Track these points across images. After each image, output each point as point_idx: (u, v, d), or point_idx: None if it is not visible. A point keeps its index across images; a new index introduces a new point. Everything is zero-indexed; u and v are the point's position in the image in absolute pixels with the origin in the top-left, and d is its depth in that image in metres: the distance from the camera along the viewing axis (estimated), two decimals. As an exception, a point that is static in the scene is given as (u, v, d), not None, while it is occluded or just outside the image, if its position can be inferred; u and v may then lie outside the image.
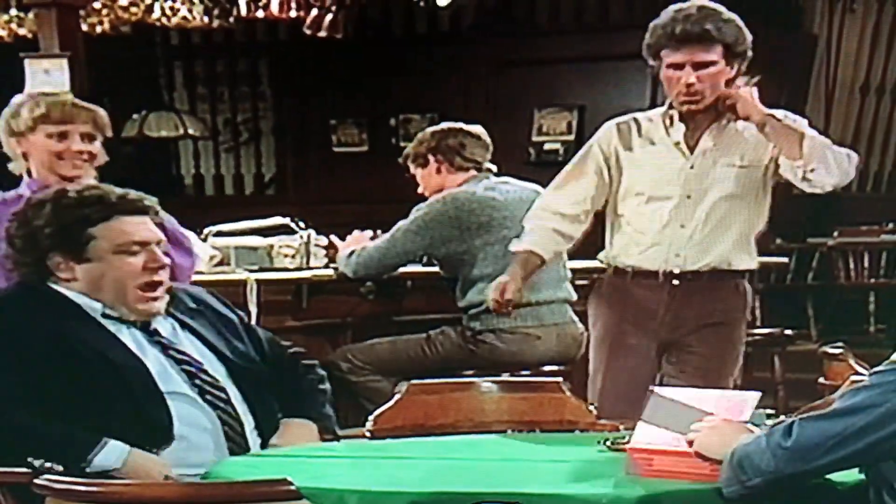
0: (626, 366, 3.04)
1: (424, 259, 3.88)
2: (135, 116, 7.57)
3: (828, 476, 1.88)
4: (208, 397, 2.18)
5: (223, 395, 2.20)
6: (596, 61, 6.80)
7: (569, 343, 3.81)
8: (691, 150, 3.02)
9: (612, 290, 3.13)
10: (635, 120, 3.08)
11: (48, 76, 4.65)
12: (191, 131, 7.83)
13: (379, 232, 3.89)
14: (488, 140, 3.86)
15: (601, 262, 3.19)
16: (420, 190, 3.87)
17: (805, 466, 1.82)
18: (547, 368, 3.77)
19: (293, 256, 4.01)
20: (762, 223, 3.10)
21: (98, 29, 5.91)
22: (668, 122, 3.05)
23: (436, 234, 3.71)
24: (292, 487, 1.76)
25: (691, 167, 3.01)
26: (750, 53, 3.00)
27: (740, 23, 3.00)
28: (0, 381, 2.09)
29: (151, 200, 2.28)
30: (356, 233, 3.94)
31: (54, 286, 2.21)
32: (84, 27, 5.40)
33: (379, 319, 3.95)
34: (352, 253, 3.79)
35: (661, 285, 3.02)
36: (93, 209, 2.19)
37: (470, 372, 3.70)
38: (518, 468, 2.10)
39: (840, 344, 2.85)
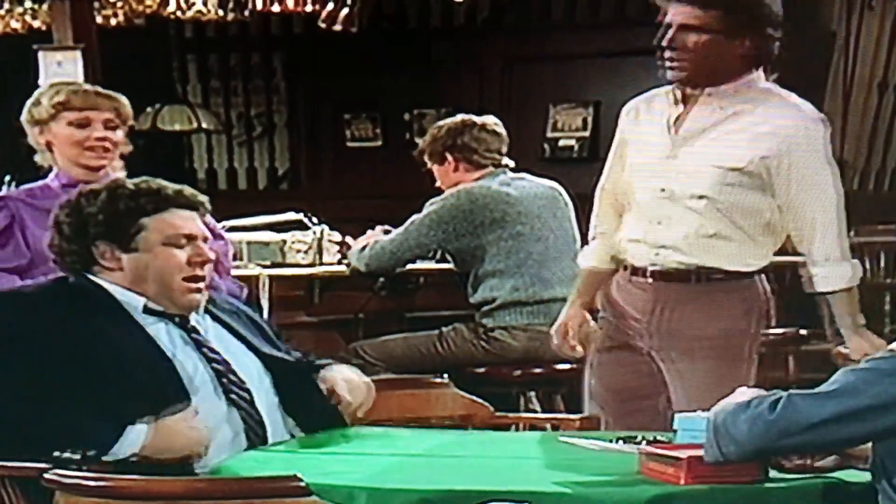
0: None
1: (438, 255, 3.87)
2: (148, 110, 7.56)
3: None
4: (233, 396, 2.19)
5: (247, 396, 2.20)
6: (612, 57, 6.76)
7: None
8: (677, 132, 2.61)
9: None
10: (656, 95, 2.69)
11: (61, 68, 4.66)
12: (204, 125, 7.82)
13: (390, 229, 3.88)
14: (503, 131, 3.83)
15: None
16: (438, 184, 3.86)
17: (782, 441, 1.80)
18: (559, 366, 3.75)
19: (306, 252, 4.00)
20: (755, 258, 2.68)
21: (112, 21, 5.92)
22: (671, 98, 2.64)
23: (449, 229, 3.70)
24: (302, 484, 1.76)
25: (672, 156, 2.61)
26: (773, 33, 2.58)
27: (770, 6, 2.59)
28: (23, 377, 2.09)
29: (203, 198, 2.31)
30: (370, 233, 3.93)
31: (95, 278, 2.22)
32: (98, 19, 5.41)
33: (391, 315, 3.94)
34: (364, 247, 3.78)
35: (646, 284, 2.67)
36: (147, 199, 2.22)
37: (482, 369, 3.69)
38: (528, 466, 2.10)
39: None
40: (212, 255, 2.27)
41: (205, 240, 2.27)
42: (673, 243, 2.64)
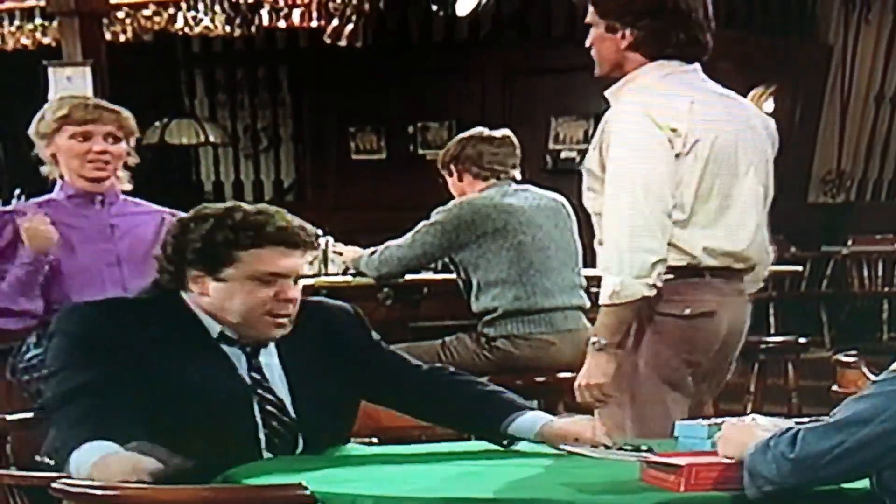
0: None
1: (440, 265, 3.91)
2: (156, 123, 7.61)
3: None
4: (276, 440, 2.19)
5: (291, 440, 2.19)
6: (613, 69, 6.78)
7: (583, 349, 3.80)
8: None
9: None
10: None
11: (71, 83, 4.70)
12: (211, 138, 7.87)
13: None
14: (514, 143, 3.85)
15: None
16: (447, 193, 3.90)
17: (810, 477, 1.82)
18: (561, 375, 3.78)
19: (311, 263, 4.03)
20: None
21: (121, 37, 5.97)
22: None
23: (452, 238, 3.74)
24: (307, 492, 1.77)
25: None
26: (677, 29, 2.54)
27: None
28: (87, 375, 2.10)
29: (311, 233, 2.27)
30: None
31: (186, 297, 2.24)
32: (107, 36, 5.45)
33: (395, 325, 3.97)
34: (374, 252, 3.82)
35: None
36: (246, 234, 2.21)
37: (485, 378, 3.71)
38: (531, 474, 2.10)
39: (853, 352, 2.83)
40: (296, 295, 2.23)
41: (297, 279, 2.24)
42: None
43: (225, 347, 2.23)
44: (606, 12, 2.58)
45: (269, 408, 2.21)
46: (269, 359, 2.26)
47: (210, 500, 1.83)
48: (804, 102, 6.62)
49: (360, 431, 2.43)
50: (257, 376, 2.23)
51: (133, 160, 2.99)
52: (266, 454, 2.18)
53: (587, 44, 2.64)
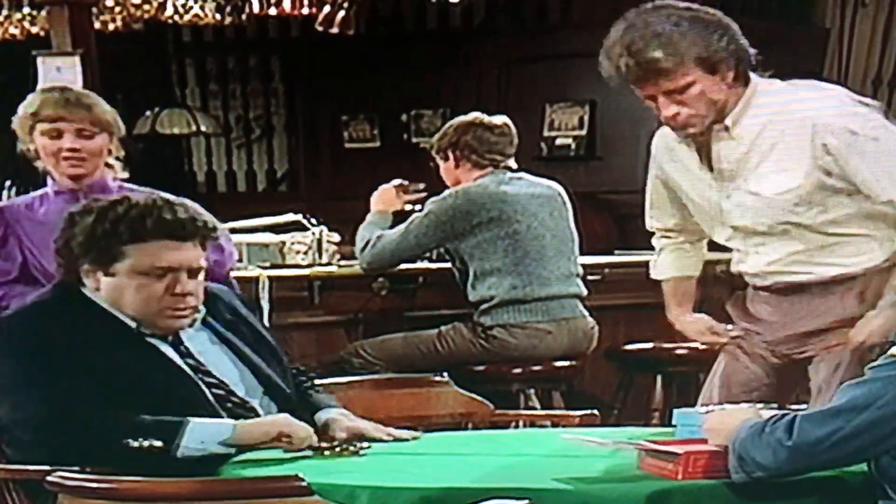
0: None
1: (435, 254, 3.89)
2: (147, 113, 7.57)
3: (837, 470, 1.88)
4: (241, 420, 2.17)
5: (253, 416, 2.19)
6: (607, 56, 6.77)
7: (580, 338, 3.80)
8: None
9: None
10: None
11: (60, 74, 4.66)
12: (203, 128, 7.83)
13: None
14: (512, 131, 3.82)
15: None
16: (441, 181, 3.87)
17: (807, 463, 1.82)
18: (558, 364, 3.77)
19: (305, 253, 4.02)
20: None
21: (110, 26, 5.93)
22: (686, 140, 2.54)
23: (447, 228, 3.72)
24: (304, 483, 1.76)
25: (724, 194, 2.51)
26: (743, 43, 2.44)
27: (698, 17, 2.41)
28: (50, 386, 2.09)
29: (202, 223, 2.23)
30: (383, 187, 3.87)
31: (87, 293, 2.22)
32: (96, 25, 5.41)
33: (391, 315, 3.95)
34: (366, 245, 3.79)
35: None
36: (126, 227, 2.19)
37: (482, 367, 3.71)
38: (529, 464, 2.10)
39: None
40: (191, 288, 2.21)
41: (190, 270, 2.21)
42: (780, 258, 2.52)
43: (150, 339, 2.20)
44: (707, 58, 2.41)
45: (217, 391, 2.19)
46: (200, 345, 2.23)
47: (207, 493, 1.82)
48: (800, 87, 6.62)
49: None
50: (192, 362, 2.21)
51: (116, 153, 2.88)
52: None
53: (669, 113, 2.44)
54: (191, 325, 2.25)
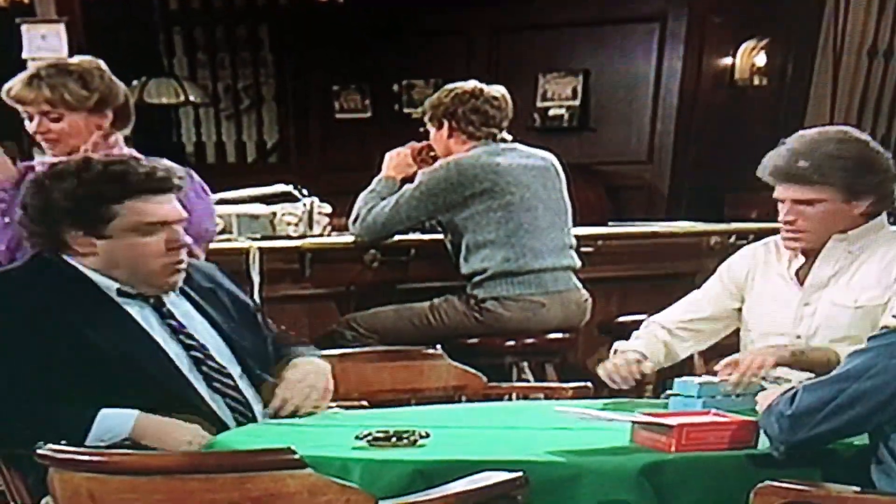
0: None
1: (427, 225, 3.86)
2: (134, 83, 7.50)
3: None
4: (216, 384, 2.17)
5: (231, 382, 2.18)
6: (601, 25, 6.73)
7: (573, 310, 3.79)
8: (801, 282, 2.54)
9: None
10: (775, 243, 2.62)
11: (45, 42, 4.61)
12: (191, 98, 7.77)
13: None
14: (509, 104, 3.75)
15: None
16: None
17: (807, 433, 1.82)
18: (551, 336, 3.76)
19: (296, 224, 3.99)
20: None
21: (97, -6, 5.85)
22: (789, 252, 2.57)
23: (439, 201, 3.69)
24: (296, 456, 1.75)
25: (805, 304, 2.53)
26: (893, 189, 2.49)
27: (867, 155, 2.47)
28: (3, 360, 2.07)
29: (178, 176, 2.22)
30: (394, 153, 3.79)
31: (70, 259, 2.18)
32: (83, -8, 5.34)
33: (383, 287, 3.93)
34: (357, 217, 3.76)
35: None
36: (110, 186, 2.16)
37: (475, 340, 3.70)
38: (522, 436, 2.10)
39: None
40: (187, 240, 2.21)
41: (180, 221, 2.21)
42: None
43: (127, 305, 2.17)
44: (845, 185, 2.46)
45: (195, 353, 2.17)
46: (182, 308, 2.22)
47: (199, 466, 1.80)
48: (796, 56, 6.59)
49: (348, 395, 2.40)
50: (174, 323, 2.19)
51: (121, 127, 2.84)
52: (212, 402, 2.15)
53: (792, 227, 2.48)
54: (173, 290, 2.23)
